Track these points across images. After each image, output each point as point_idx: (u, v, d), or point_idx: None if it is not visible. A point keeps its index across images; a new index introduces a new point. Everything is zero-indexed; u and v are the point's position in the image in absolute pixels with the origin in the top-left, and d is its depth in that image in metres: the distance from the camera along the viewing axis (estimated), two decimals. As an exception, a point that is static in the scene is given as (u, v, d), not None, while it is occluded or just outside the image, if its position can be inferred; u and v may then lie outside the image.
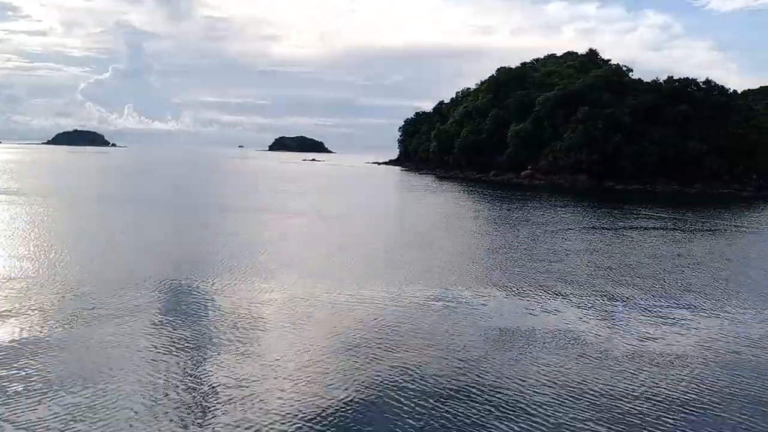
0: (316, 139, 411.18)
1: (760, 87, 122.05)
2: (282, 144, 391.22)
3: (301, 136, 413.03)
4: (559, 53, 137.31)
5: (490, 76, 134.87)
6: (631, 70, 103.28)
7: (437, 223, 42.07)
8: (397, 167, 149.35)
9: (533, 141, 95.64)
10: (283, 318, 17.52)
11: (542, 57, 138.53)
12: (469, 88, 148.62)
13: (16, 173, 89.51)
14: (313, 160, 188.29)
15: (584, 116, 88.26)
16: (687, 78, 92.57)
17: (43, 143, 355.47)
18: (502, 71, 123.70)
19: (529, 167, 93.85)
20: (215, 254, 27.26)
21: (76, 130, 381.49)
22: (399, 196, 65.42)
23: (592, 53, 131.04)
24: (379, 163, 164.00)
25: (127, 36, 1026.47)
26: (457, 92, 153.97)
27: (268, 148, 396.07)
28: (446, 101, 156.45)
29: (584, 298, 20.94)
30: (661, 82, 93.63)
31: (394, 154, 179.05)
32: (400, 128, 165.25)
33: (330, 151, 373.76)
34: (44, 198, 52.27)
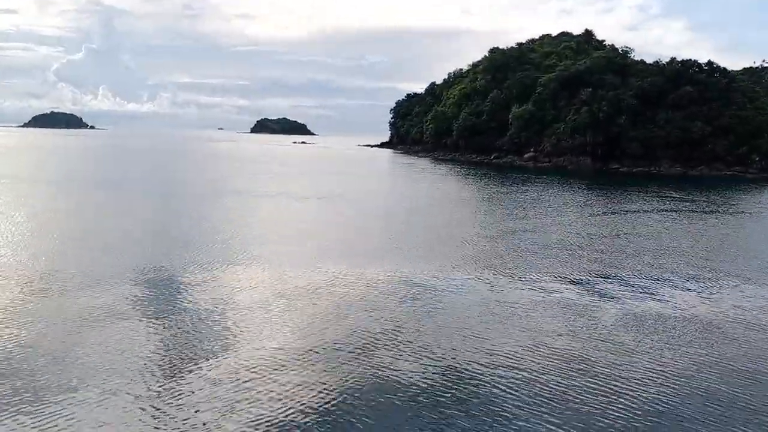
0: (299, 121, 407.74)
1: (744, 68, 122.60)
2: (264, 126, 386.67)
3: (284, 118, 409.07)
4: (538, 34, 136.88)
5: (484, 57, 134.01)
6: (633, 51, 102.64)
7: (449, 207, 41.20)
8: (389, 150, 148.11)
9: (535, 123, 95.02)
10: (279, 303, 16.81)
11: (537, 38, 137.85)
12: (462, 69, 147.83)
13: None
14: (303, 142, 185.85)
15: (588, 98, 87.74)
16: (689, 60, 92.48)
17: (19, 126, 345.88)
18: (499, 52, 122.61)
19: (532, 150, 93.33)
20: (220, 241, 25.86)
21: (52, 112, 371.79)
22: (404, 180, 64.25)
23: (588, 34, 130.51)
24: (372, 146, 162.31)
25: (101, 14, 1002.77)
26: (449, 73, 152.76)
27: (250, 131, 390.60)
28: (438, 82, 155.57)
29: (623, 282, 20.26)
30: (663, 64, 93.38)
31: (380, 136, 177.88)
32: (391, 110, 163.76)
33: (313, 134, 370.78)
34: (32, 183, 50.44)
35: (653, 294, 18.88)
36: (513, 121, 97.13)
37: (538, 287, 19.25)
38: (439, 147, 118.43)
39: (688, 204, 45.41)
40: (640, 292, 19.06)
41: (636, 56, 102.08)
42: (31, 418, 10.20)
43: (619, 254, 25.11)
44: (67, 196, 41.67)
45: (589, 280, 20.43)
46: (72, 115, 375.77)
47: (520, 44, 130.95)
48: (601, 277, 20.81)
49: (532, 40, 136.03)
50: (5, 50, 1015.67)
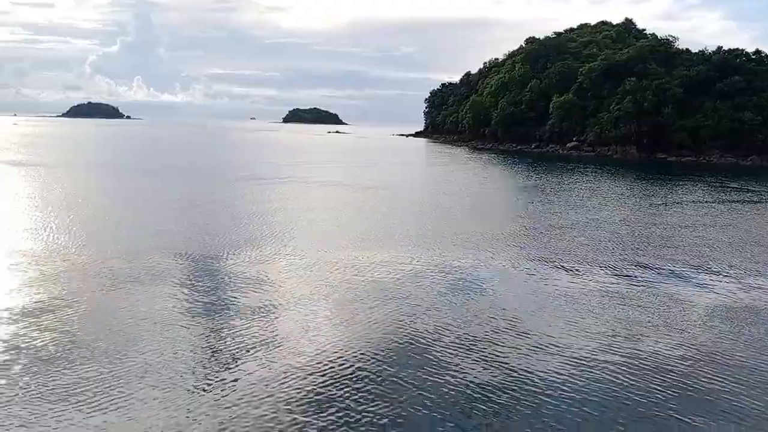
0: (331, 111, 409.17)
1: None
2: (297, 116, 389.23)
3: (316, 108, 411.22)
4: (571, 23, 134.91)
5: (521, 46, 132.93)
6: (677, 39, 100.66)
7: (497, 196, 41.36)
8: (423, 139, 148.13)
9: (577, 112, 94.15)
10: (323, 291, 16.75)
11: (575, 27, 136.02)
12: (497, 59, 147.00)
13: (45, 145, 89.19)
14: (337, 132, 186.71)
15: (632, 87, 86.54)
16: (736, 49, 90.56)
17: (58, 116, 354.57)
18: (537, 42, 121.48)
19: (575, 139, 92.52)
20: (266, 226, 26.37)
21: (90, 103, 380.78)
22: (445, 169, 64.32)
23: (628, 23, 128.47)
24: (406, 135, 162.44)
25: (135, 7, 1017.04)
26: (485, 63, 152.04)
27: (282, 120, 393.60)
28: (473, 72, 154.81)
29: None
30: (710, 53, 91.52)
31: (412, 125, 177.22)
32: (425, 100, 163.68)
33: (344, 123, 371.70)
34: (78, 169, 51.96)
35: (723, 289, 18.45)
36: (554, 110, 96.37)
37: (594, 278, 19.04)
38: (476, 136, 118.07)
39: (749, 195, 44.79)
40: (711, 285, 18.92)
41: (679, 45, 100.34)
42: (74, 388, 10.56)
43: (687, 247, 24.98)
44: (115, 182, 43.16)
45: (646, 272, 20.09)
46: (108, 105, 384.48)
47: (558, 33, 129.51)
48: (659, 270, 20.36)
49: (571, 30, 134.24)
50: (43, 43, 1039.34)
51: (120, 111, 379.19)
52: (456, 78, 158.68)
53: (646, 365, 12.23)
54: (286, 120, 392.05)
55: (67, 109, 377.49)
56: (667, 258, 21.96)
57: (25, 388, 10.51)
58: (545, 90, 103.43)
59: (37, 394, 10.33)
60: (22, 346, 12.30)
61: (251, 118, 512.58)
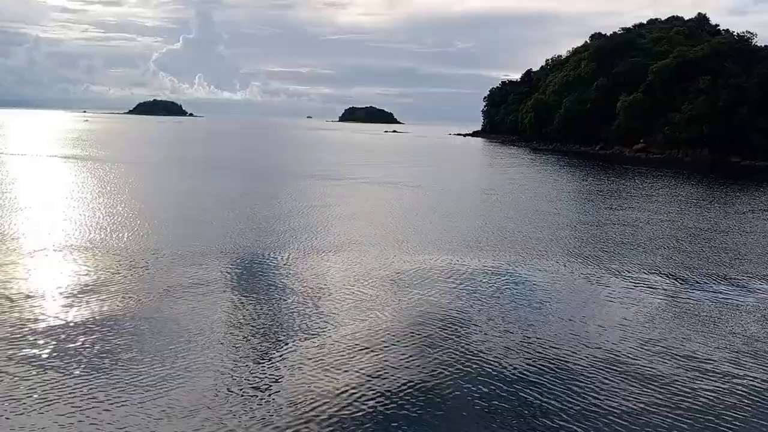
0: (386, 110, 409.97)
1: None
2: (352, 114, 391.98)
3: (371, 107, 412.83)
4: (634, 18, 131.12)
5: (586, 43, 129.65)
6: (755, 36, 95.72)
7: (566, 201, 40.17)
8: (481, 139, 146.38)
9: (646, 112, 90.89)
10: (370, 286, 16.86)
11: (644, 22, 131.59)
12: (560, 56, 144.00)
13: (117, 142, 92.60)
14: (395, 131, 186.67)
15: (706, 86, 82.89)
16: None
17: (124, 113, 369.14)
18: (605, 38, 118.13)
19: (642, 140, 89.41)
20: (328, 223, 27.03)
21: (155, 100, 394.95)
22: (507, 171, 63.08)
23: (701, 18, 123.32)
24: (464, 135, 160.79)
25: (197, 5, 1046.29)
26: (547, 60, 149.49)
27: (338, 119, 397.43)
28: (534, 69, 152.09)
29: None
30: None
31: (467, 124, 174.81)
32: (484, 98, 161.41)
33: (399, 122, 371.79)
34: (156, 165, 53.42)
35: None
36: (621, 110, 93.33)
37: (661, 288, 18.27)
38: (538, 136, 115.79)
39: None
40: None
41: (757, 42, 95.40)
42: (122, 380, 10.70)
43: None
44: (194, 180, 44.03)
45: (718, 283, 19.18)
46: (173, 102, 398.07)
47: (626, 29, 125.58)
48: (727, 281, 19.41)
49: (640, 25, 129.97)
50: (111, 41, 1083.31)
51: (183, 108, 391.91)
52: (512, 75, 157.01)
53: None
54: (342, 119, 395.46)
55: (134, 106, 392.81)
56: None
57: (75, 387, 10.47)
58: (612, 88, 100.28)
59: (87, 393, 10.28)
60: (84, 341, 12.40)
61: (308, 117, 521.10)
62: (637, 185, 49.03)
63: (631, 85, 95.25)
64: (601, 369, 12.06)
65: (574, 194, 44.38)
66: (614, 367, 12.14)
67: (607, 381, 11.50)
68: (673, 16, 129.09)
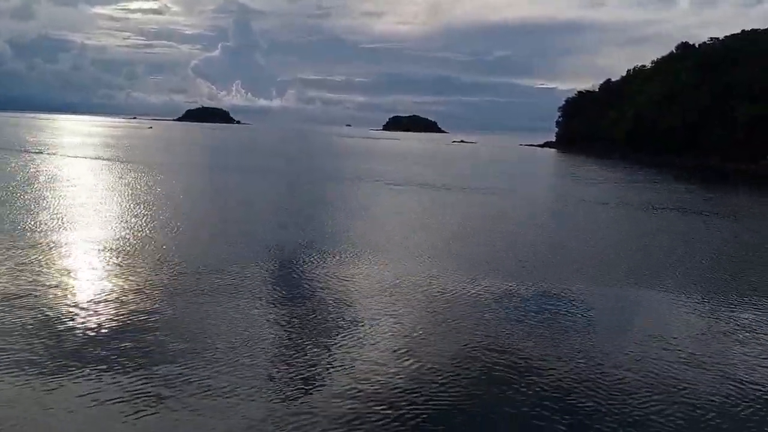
0: (429, 119, 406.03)
1: None
2: (397, 123, 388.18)
3: (415, 115, 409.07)
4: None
5: (680, 53, 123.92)
6: None
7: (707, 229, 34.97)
8: (553, 150, 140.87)
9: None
10: (397, 300, 16.19)
11: (738, 32, 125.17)
12: (644, 66, 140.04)
13: (187, 149, 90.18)
14: (462, 141, 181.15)
15: None
16: None
17: (174, 120, 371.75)
18: (705, 47, 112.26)
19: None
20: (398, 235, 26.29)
21: (203, 107, 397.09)
22: (602, 186, 57.67)
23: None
24: (538, 146, 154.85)
25: (236, 14, 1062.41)
26: (629, 70, 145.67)
27: (382, 128, 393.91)
28: (614, 79, 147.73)
29: None
30: None
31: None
32: (559, 108, 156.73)
33: (443, 131, 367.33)
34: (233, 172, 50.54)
35: None
36: (741, 122, 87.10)
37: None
38: (632, 149, 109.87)
39: None
40: None
41: None
42: (154, 380, 10.72)
43: None
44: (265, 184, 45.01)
45: None
46: (221, 109, 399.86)
47: (715, 38, 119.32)
48: None
49: (732, 35, 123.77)
50: (153, 48, 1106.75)
51: (231, 116, 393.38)
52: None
53: None
54: (386, 127, 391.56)
55: (182, 112, 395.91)
56: None
57: (128, 385, 10.48)
58: (722, 99, 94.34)
59: (137, 391, 10.28)
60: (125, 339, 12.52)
61: (347, 125, 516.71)
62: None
63: (749, 95, 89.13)
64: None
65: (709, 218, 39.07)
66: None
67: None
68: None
